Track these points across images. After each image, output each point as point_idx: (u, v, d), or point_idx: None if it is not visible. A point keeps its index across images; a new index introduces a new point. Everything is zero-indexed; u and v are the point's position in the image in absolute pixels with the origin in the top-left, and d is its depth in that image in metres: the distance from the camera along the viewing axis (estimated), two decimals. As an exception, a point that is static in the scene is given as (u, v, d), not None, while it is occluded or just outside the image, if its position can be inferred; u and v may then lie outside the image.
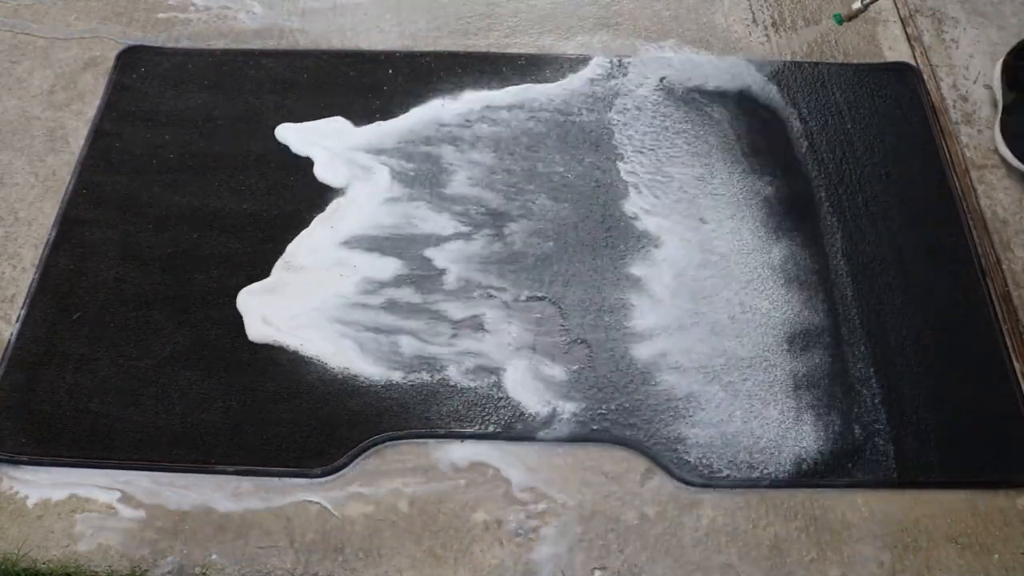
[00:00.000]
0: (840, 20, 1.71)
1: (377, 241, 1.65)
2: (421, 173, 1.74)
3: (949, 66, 1.97)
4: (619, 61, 1.93)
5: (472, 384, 1.49)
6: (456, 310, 1.57)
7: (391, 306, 1.57)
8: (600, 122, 1.83)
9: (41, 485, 1.40)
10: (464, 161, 1.76)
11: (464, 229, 1.67)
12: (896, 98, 1.90)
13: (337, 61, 1.93)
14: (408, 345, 1.53)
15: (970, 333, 1.57)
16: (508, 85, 1.88)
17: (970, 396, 1.50)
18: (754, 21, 2.05)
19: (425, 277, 1.61)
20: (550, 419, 1.46)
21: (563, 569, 1.34)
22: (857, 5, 1.69)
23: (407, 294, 1.59)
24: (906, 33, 2.03)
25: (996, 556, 1.36)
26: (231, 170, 1.75)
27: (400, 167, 1.75)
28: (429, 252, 1.64)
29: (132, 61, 1.92)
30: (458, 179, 1.73)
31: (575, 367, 1.51)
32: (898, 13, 2.07)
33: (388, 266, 1.62)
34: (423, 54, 1.94)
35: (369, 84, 1.88)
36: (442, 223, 1.67)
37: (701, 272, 1.62)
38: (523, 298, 1.58)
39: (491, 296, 1.59)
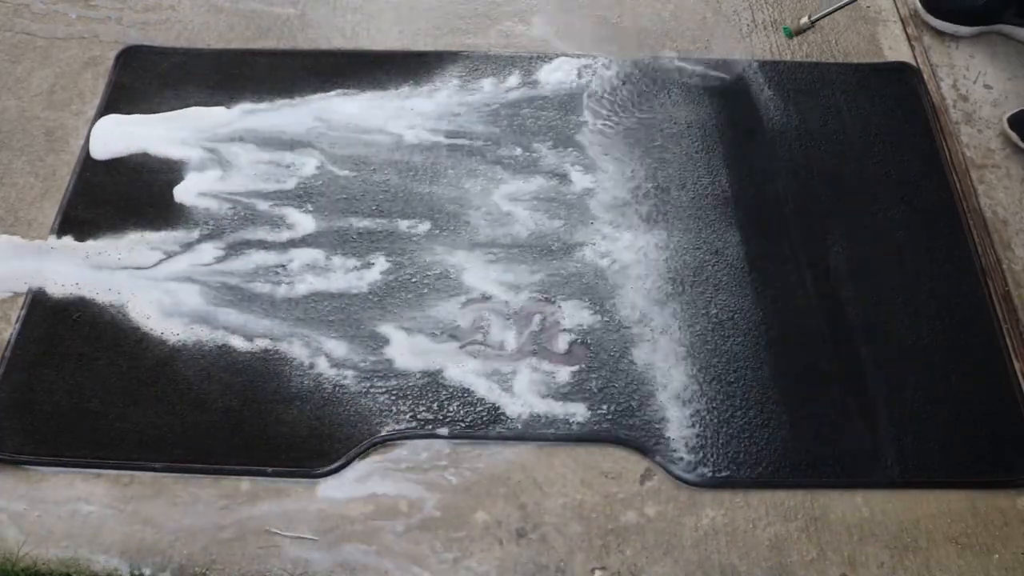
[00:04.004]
0: (790, 34, 1.82)
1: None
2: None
3: (949, 66, 1.97)
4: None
5: (472, 385, 1.49)
6: (458, 312, 1.57)
7: (390, 304, 1.57)
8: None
9: (41, 485, 1.40)
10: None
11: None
12: (896, 98, 1.90)
13: (337, 60, 1.93)
14: (407, 344, 1.53)
15: (970, 333, 1.57)
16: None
17: (970, 396, 1.50)
18: (754, 21, 2.05)
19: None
20: (549, 419, 1.46)
21: (563, 569, 1.34)
22: (805, 20, 1.78)
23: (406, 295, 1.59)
24: (906, 33, 2.03)
25: (996, 556, 1.36)
26: (231, 170, 1.76)
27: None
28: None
29: (131, 61, 1.92)
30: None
31: (575, 367, 1.51)
32: (898, 13, 2.07)
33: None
34: (426, 53, 1.95)
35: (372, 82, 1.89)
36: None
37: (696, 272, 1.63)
38: (524, 298, 1.58)
39: (492, 297, 1.59)
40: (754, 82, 1.91)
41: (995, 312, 1.59)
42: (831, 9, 1.77)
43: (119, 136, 1.78)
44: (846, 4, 1.77)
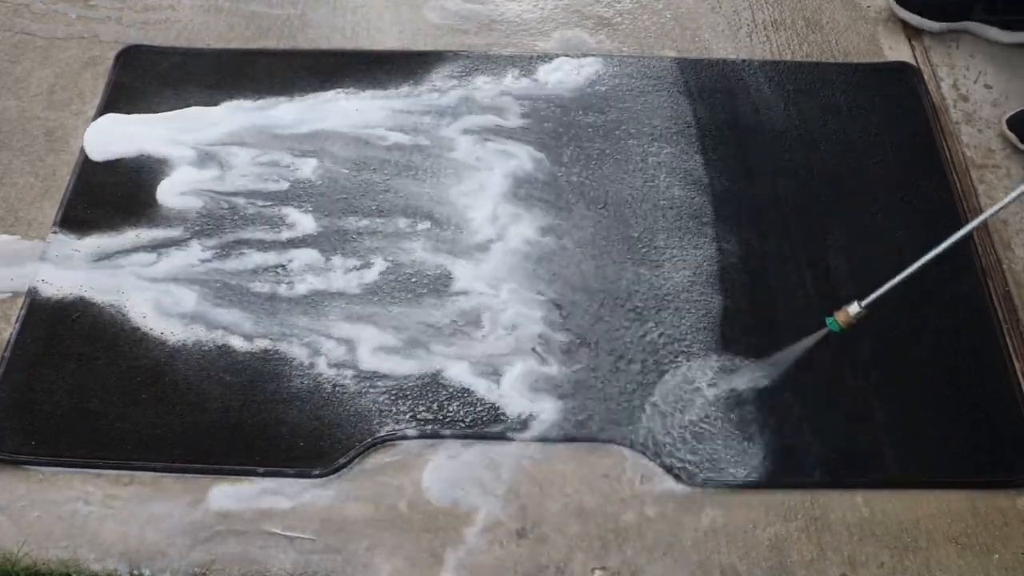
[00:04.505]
0: (837, 327, 1.38)
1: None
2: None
3: (949, 66, 1.97)
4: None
5: (471, 385, 1.49)
6: (457, 311, 1.57)
7: (389, 304, 1.57)
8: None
9: (41, 485, 1.40)
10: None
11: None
12: (896, 98, 1.90)
13: (337, 60, 1.93)
14: (406, 344, 1.53)
15: (970, 333, 1.57)
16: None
17: (970, 396, 1.50)
18: (754, 21, 2.05)
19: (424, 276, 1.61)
20: (549, 419, 1.45)
21: (563, 569, 1.34)
22: (855, 308, 1.37)
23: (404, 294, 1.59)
24: (906, 33, 2.03)
25: (996, 556, 1.36)
26: (231, 170, 1.75)
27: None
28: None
29: (131, 61, 1.92)
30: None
31: (575, 367, 1.51)
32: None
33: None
34: (426, 53, 1.95)
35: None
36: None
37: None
38: (523, 298, 1.58)
39: (491, 297, 1.59)
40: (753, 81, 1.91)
41: (995, 312, 1.59)
42: (887, 287, 1.37)
43: (116, 136, 1.78)
44: (902, 278, 1.37)
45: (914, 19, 2.01)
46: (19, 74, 1.91)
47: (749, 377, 1.49)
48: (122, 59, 1.93)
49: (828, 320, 1.38)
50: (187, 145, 1.77)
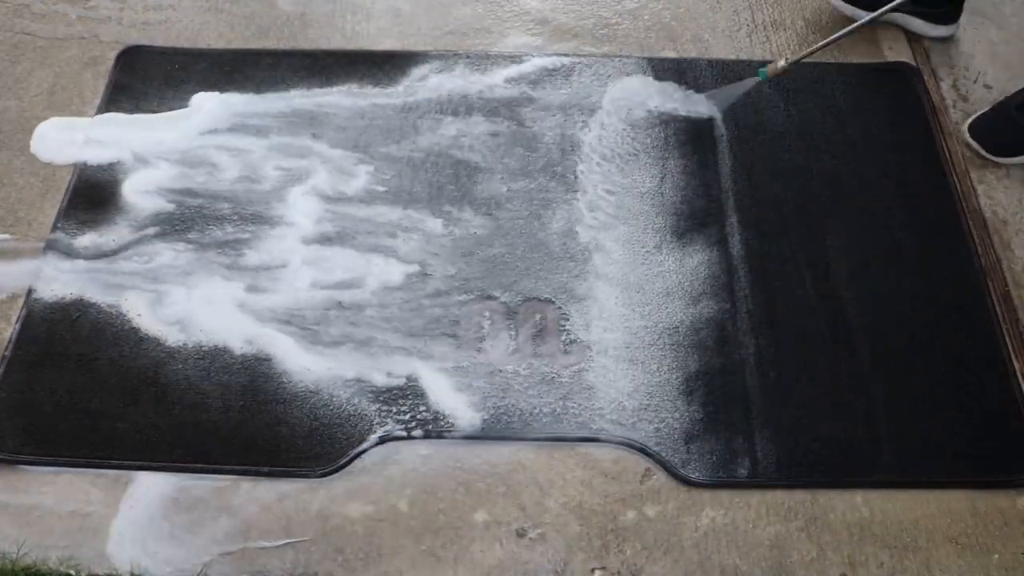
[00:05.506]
0: (765, 76, 1.74)
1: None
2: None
3: (949, 66, 1.98)
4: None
5: (472, 385, 1.49)
6: (457, 312, 1.57)
7: (390, 304, 1.58)
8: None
9: (41, 485, 1.40)
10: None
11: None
12: (896, 98, 1.90)
13: (337, 60, 1.93)
14: (406, 344, 1.53)
15: (970, 333, 1.57)
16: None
17: (970, 396, 1.50)
18: (753, 21, 2.05)
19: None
20: (549, 418, 1.46)
21: (563, 569, 1.34)
22: (783, 63, 1.71)
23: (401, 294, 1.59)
24: (906, 33, 2.03)
25: (996, 556, 1.36)
26: (231, 170, 1.75)
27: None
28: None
29: (132, 61, 1.93)
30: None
31: (574, 367, 1.51)
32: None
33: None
34: (426, 53, 1.95)
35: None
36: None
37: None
38: (522, 300, 1.59)
39: (491, 297, 1.59)
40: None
41: (995, 312, 1.59)
42: (811, 50, 1.72)
43: (64, 141, 1.79)
44: (825, 45, 1.72)
45: (849, 9, 2.00)
46: (19, 74, 1.91)
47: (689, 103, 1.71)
48: (123, 59, 1.93)
49: (760, 72, 1.73)
50: (187, 145, 1.78)
